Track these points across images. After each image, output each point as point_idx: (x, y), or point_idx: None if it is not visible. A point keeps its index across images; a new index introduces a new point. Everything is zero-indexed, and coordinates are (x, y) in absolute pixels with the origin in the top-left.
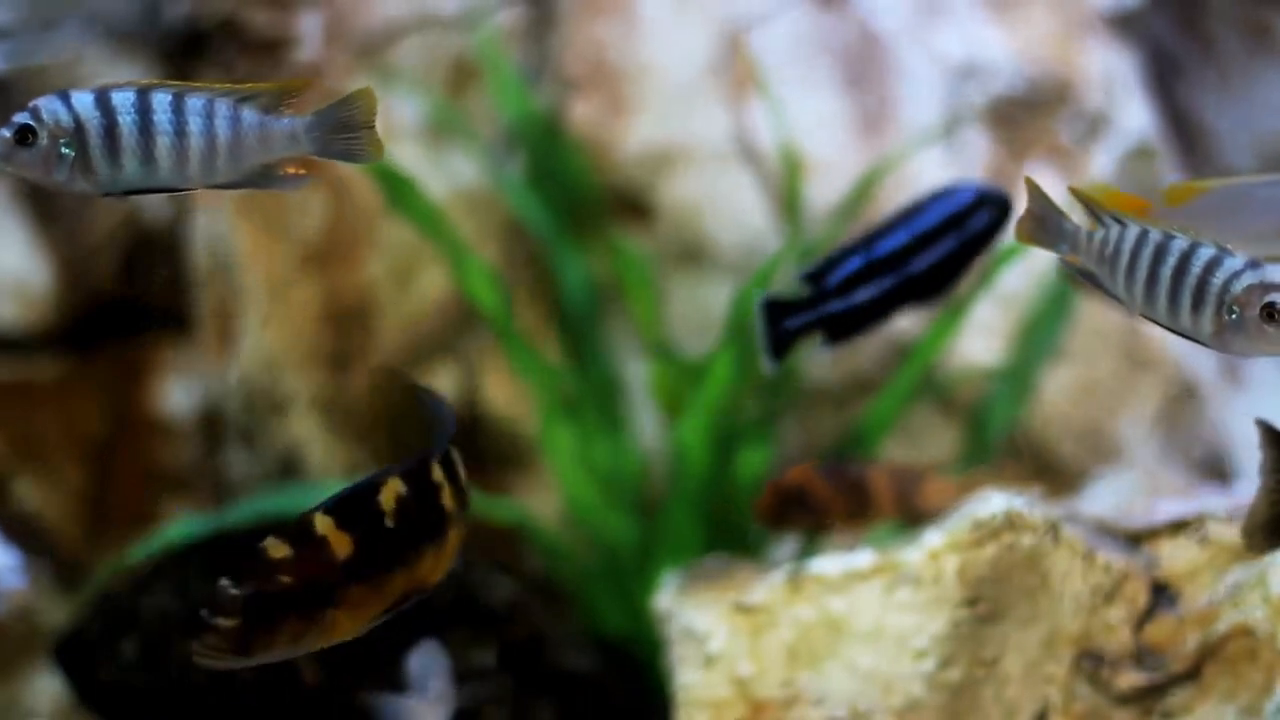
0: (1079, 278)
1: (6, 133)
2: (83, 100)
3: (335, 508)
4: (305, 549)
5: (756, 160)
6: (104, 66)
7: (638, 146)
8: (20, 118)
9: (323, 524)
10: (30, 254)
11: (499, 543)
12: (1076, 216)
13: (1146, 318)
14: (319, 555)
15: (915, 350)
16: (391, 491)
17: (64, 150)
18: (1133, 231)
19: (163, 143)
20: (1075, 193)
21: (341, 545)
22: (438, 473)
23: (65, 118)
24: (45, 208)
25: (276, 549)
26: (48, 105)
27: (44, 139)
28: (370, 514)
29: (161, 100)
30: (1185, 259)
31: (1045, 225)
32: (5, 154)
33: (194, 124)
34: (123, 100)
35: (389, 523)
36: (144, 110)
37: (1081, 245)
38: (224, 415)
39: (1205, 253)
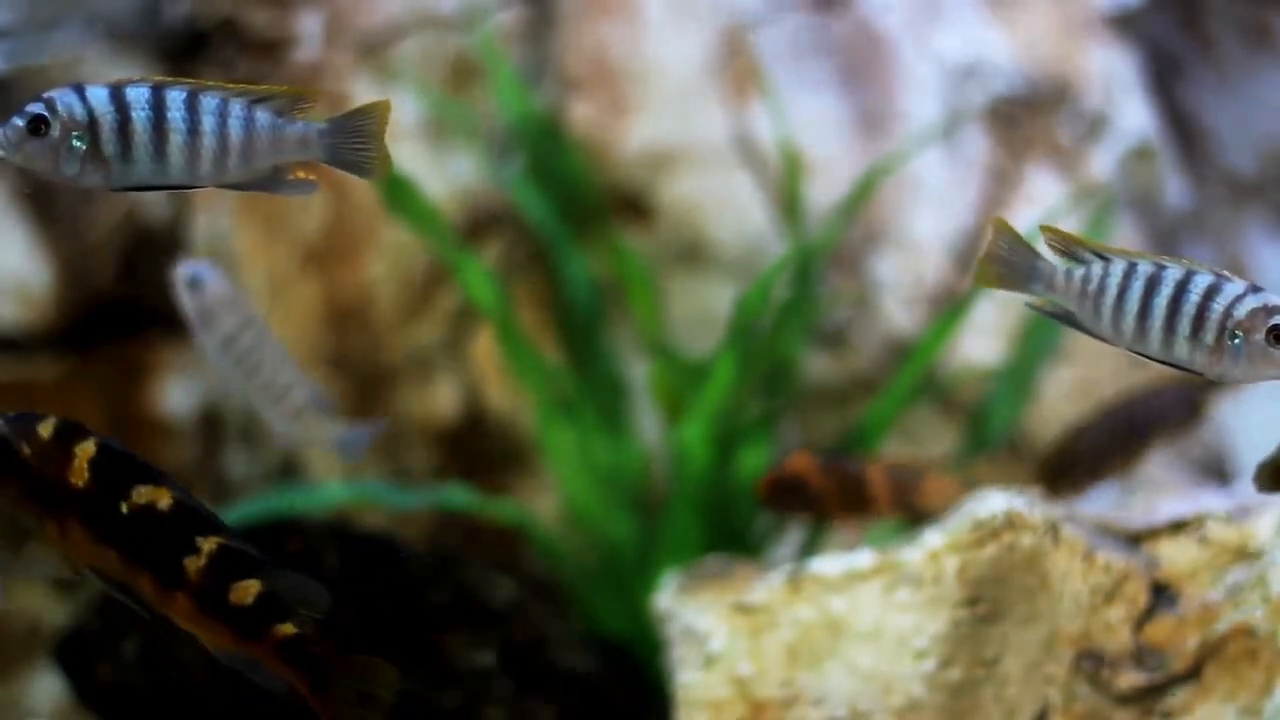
0: (1054, 319)
1: (19, 122)
2: (97, 94)
3: (107, 447)
4: (50, 446)
5: (756, 160)
6: (104, 66)
7: (638, 146)
8: (34, 108)
9: (83, 447)
10: (30, 254)
11: (499, 543)
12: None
13: (1137, 353)
14: (52, 461)
15: (915, 350)
16: (161, 496)
17: (75, 143)
18: (1119, 265)
19: (176, 140)
20: (1050, 232)
21: (78, 475)
22: (209, 544)
23: (80, 110)
24: (45, 208)
25: (44, 426)
26: (62, 97)
27: (56, 130)
28: (119, 481)
29: (176, 98)
30: (1181, 287)
31: (1014, 267)
32: (15, 144)
33: (207, 123)
34: (138, 96)
35: (124, 509)
36: (158, 107)
37: (1059, 285)
38: (224, 415)
39: (1202, 280)
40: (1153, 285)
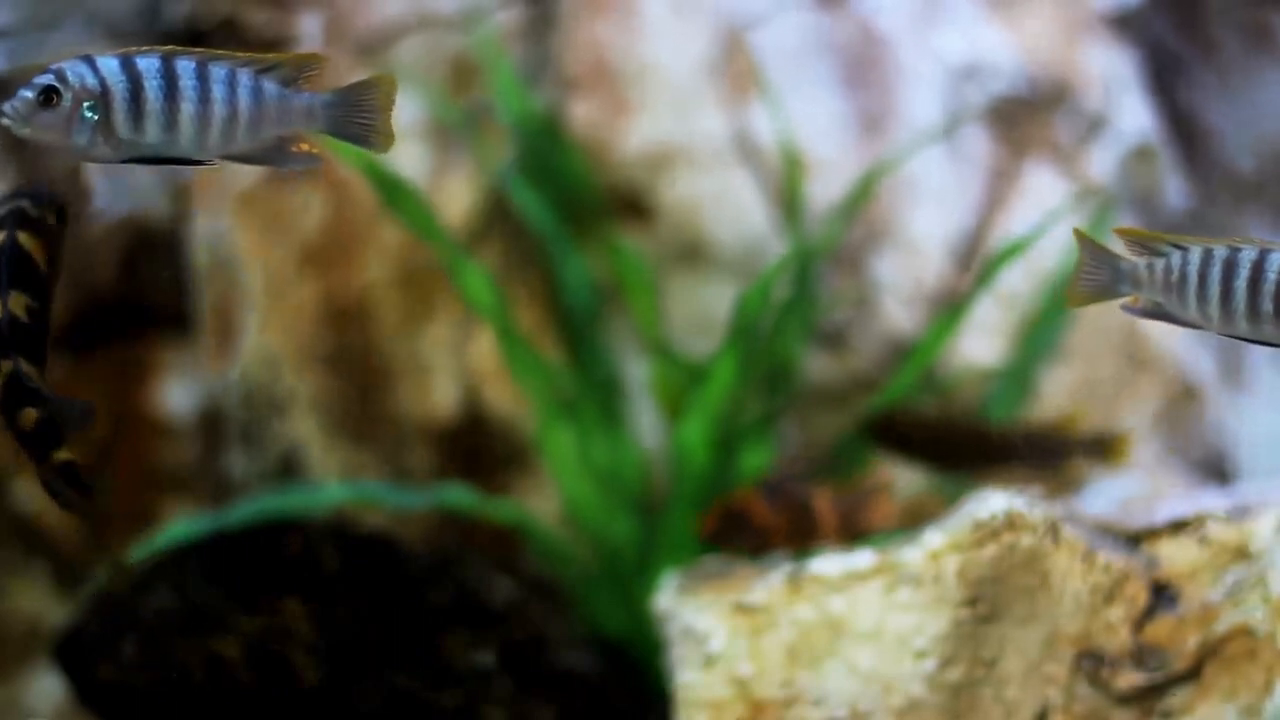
0: (1146, 317)
1: (29, 93)
2: (108, 64)
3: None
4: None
5: (756, 160)
6: None
7: (638, 146)
8: (44, 79)
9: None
10: None
11: (499, 543)
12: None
13: (1226, 335)
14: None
15: (915, 350)
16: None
17: (87, 113)
18: (1196, 253)
19: (186, 109)
20: (1123, 233)
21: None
22: (6, 366)
23: (91, 80)
24: None
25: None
26: (73, 68)
27: (68, 101)
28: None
29: (186, 67)
30: (1259, 267)
31: (1102, 273)
32: (26, 114)
33: (217, 92)
34: (148, 66)
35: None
36: (169, 76)
37: (1143, 280)
38: (224, 415)
39: (1277, 256)
40: (1230, 268)
